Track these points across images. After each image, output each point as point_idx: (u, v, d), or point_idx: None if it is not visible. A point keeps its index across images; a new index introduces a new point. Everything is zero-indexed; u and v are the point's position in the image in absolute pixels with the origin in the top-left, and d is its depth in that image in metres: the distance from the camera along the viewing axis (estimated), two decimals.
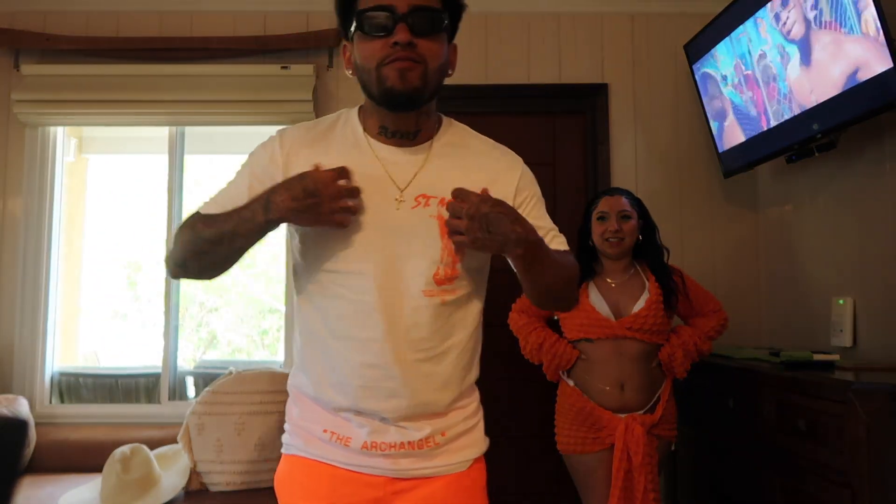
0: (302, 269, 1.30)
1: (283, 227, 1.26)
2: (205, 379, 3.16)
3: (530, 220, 1.21)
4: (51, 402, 3.10)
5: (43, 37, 3.09)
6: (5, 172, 3.11)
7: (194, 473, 2.60)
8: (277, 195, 1.15)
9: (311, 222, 1.19)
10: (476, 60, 3.17)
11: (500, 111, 3.22)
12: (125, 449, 2.49)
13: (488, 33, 3.19)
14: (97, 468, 2.55)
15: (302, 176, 1.16)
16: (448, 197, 1.17)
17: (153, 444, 2.67)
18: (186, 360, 4.92)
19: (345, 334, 1.22)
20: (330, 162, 1.20)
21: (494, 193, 1.18)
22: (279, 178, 1.21)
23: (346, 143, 1.27)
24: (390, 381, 1.21)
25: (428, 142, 1.27)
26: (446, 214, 1.17)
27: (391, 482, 1.24)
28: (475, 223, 1.11)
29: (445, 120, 1.33)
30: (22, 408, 2.85)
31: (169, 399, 3.11)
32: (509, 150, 1.36)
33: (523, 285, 1.27)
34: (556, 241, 1.32)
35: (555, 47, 3.19)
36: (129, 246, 5.35)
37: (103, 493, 2.42)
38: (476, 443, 1.32)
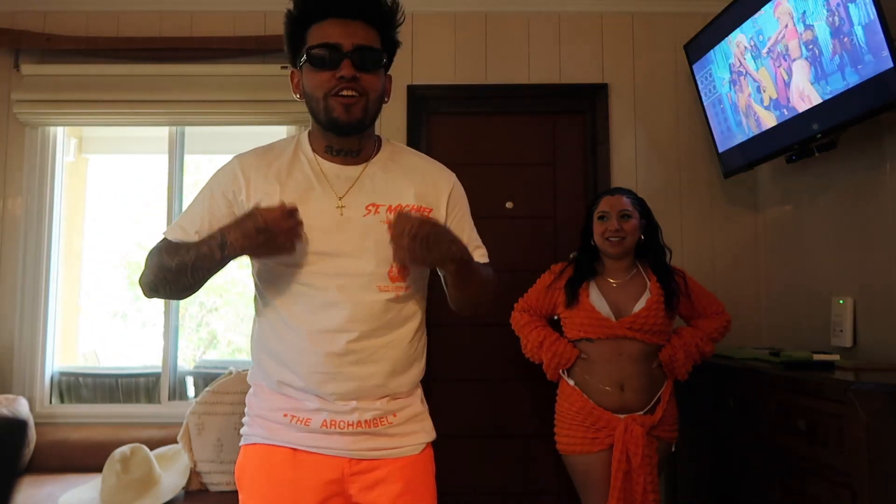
0: (263, 272, 1.41)
1: None
2: (205, 379, 3.16)
3: (456, 231, 1.38)
4: (51, 402, 3.10)
5: (43, 37, 3.09)
6: (5, 172, 3.11)
7: (194, 473, 2.60)
8: (232, 234, 1.27)
9: (264, 255, 1.32)
10: (476, 60, 3.17)
11: (500, 111, 3.22)
12: (125, 449, 2.49)
13: (488, 33, 3.18)
14: (97, 468, 2.55)
15: (252, 215, 1.27)
16: (394, 204, 1.37)
17: (153, 444, 2.67)
18: (186, 360, 4.92)
19: (306, 328, 1.35)
20: (281, 177, 1.38)
21: (429, 199, 1.42)
22: (241, 197, 1.37)
23: (296, 161, 1.42)
24: (347, 367, 1.34)
25: (367, 161, 1.44)
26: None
27: (349, 463, 1.35)
28: (416, 242, 1.25)
29: (385, 140, 1.50)
30: (22, 408, 2.85)
31: (169, 399, 3.11)
32: (444, 166, 1.53)
33: (448, 292, 1.44)
34: (478, 254, 1.48)
35: (555, 47, 3.19)
36: (128, 246, 5.35)
37: (103, 493, 2.42)
38: (426, 430, 1.46)
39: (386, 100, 1.43)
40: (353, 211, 1.37)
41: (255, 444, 1.39)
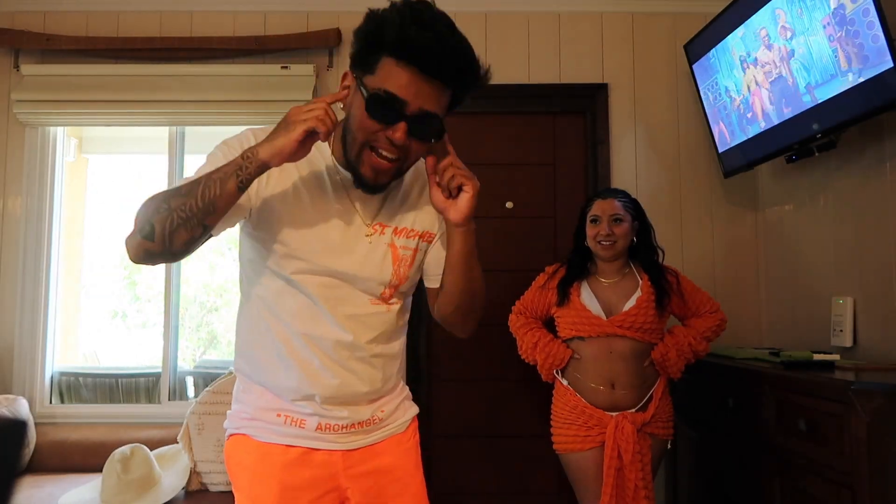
0: (260, 271, 1.33)
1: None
2: (205, 379, 3.16)
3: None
4: (51, 402, 3.10)
5: (43, 37, 3.09)
6: (5, 172, 3.11)
7: (194, 473, 2.60)
8: (258, 149, 1.15)
9: (296, 142, 1.14)
10: None
11: (500, 111, 3.22)
12: (125, 449, 2.49)
13: (488, 33, 3.19)
14: (97, 468, 2.55)
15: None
16: (399, 227, 1.34)
17: (153, 444, 2.67)
18: (186, 360, 4.92)
19: (300, 331, 1.30)
20: (300, 180, 1.28)
21: (427, 223, 1.38)
22: None
23: (315, 160, 1.30)
24: (338, 371, 1.32)
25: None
26: (398, 243, 1.34)
27: (344, 457, 1.35)
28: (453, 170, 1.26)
29: None
30: (22, 408, 2.85)
31: (169, 399, 3.12)
32: None
33: (447, 279, 1.37)
34: None
35: (555, 47, 3.19)
36: None
37: (103, 493, 2.42)
38: (409, 408, 1.48)
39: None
40: (362, 228, 1.31)
41: (246, 435, 1.35)
